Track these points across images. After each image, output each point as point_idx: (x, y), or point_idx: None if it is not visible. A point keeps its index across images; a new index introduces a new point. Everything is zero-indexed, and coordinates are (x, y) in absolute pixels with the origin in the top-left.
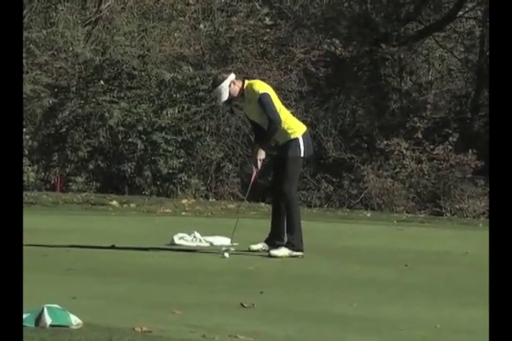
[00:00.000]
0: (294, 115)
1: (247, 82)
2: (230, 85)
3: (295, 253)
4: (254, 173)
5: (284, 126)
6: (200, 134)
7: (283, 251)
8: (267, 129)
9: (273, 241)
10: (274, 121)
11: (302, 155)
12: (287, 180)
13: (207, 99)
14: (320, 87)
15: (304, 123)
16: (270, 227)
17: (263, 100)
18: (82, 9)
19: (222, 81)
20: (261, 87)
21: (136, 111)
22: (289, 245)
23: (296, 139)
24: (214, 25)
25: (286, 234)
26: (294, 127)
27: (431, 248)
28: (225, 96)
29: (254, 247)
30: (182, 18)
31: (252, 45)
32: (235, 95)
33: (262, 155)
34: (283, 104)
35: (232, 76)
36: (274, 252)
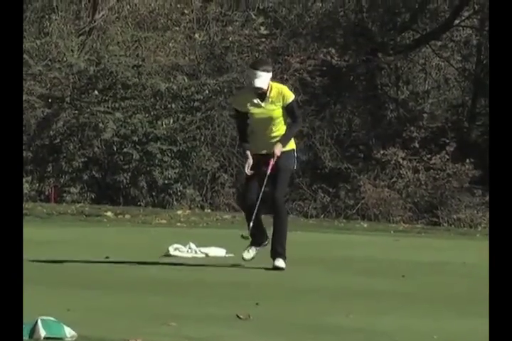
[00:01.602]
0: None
1: (271, 82)
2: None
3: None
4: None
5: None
6: (196, 144)
7: (283, 263)
8: (292, 129)
9: (260, 241)
10: (300, 124)
11: (295, 167)
12: (282, 189)
13: (202, 109)
14: (316, 97)
15: (300, 133)
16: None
17: (294, 105)
18: (76, 19)
19: (271, 71)
20: (290, 92)
21: (131, 122)
22: (283, 257)
23: (293, 150)
24: (209, 35)
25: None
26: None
27: (428, 258)
28: (265, 85)
29: (247, 256)
30: (177, 28)
31: (248, 55)
32: (265, 89)
33: (279, 152)
34: None
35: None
36: (278, 264)
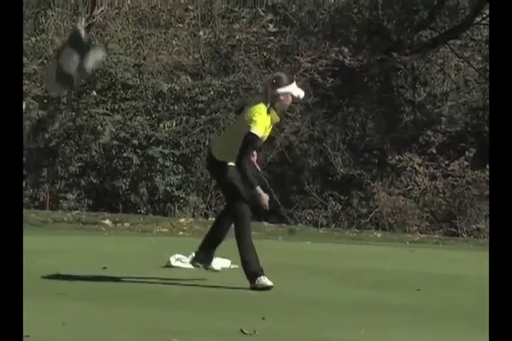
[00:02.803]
0: (299, 128)
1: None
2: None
3: None
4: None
5: None
6: (200, 148)
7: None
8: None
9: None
10: None
11: None
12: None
13: (206, 111)
14: (327, 99)
15: (311, 137)
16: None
17: None
18: (73, 15)
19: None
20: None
21: (131, 124)
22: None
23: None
24: (214, 33)
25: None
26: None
27: (445, 271)
28: None
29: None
30: (180, 25)
31: (255, 54)
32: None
33: None
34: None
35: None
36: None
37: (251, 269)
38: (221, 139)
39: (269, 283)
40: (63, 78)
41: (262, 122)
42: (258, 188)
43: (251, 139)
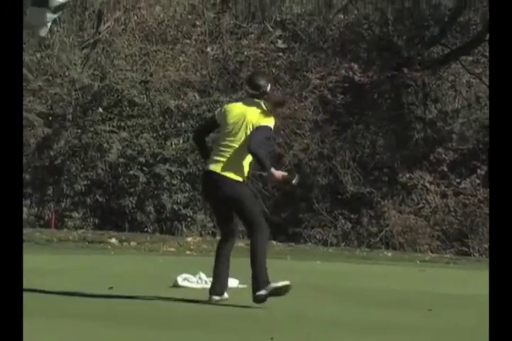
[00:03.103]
0: (309, 146)
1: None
2: None
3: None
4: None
5: None
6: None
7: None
8: None
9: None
10: None
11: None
12: None
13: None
14: (337, 116)
15: (320, 155)
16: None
17: None
18: (79, 31)
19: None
20: None
21: (137, 142)
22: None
23: None
24: (222, 49)
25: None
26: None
27: (457, 291)
28: None
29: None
30: (188, 41)
31: (264, 70)
32: None
33: None
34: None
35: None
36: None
37: (263, 278)
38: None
39: (285, 282)
40: None
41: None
42: (272, 169)
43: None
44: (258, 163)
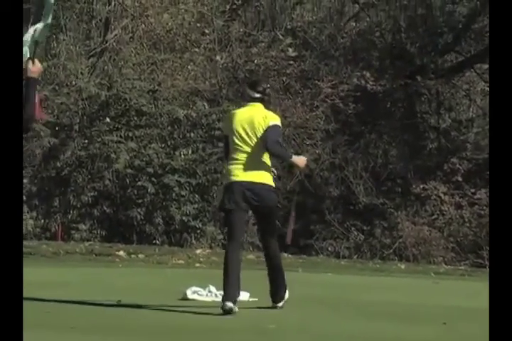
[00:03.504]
0: (320, 156)
1: None
2: None
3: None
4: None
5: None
6: (217, 177)
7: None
8: None
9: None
10: None
11: (217, 205)
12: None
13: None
14: (349, 125)
15: (332, 165)
16: None
17: None
18: (86, 39)
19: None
20: None
21: (145, 152)
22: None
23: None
24: (232, 57)
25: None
26: (225, 173)
27: (472, 304)
28: None
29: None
30: (196, 49)
31: (274, 79)
32: None
33: None
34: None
35: None
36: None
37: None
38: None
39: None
40: None
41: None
42: (294, 156)
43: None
44: (279, 158)
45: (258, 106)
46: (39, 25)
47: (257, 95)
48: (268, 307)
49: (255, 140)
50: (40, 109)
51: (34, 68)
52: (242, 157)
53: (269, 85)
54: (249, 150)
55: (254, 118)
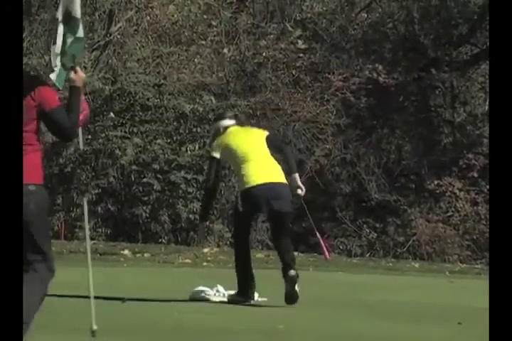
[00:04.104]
0: (331, 151)
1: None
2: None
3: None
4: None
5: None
6: (224, 173)
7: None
8: None
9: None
10: None
11: (240, 209)
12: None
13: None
14: (361, 120)
15: (343, 161)
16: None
17: None
18: (89, 32)
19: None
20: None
21: (151, 148)
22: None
23: (239, 192)
24: (240, 50)
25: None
26: (241, 179)
27: (488, 303)
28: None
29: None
30: (203, 42)
31: (283, 72)
32: None
33: None
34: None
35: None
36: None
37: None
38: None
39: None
40: None
41: None
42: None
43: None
44: (288, 161)
45: (240, 127)
46: (69, 40)
47: (231, 122)
48: (277, 305)
49: (261, 147)
50: (85, 116)
51: (76, 77)
52: (254, 163)
53: (237, 113)
54: (258, 156)
55: (249, 132)
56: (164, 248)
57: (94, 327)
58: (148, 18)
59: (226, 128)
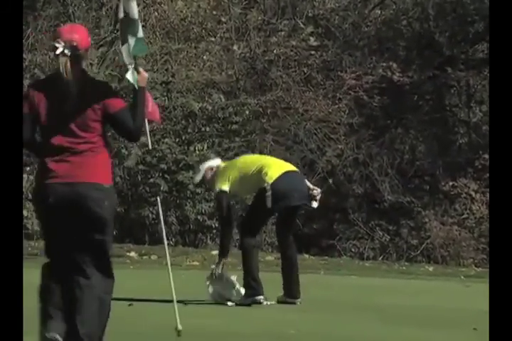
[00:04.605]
0: (343, 151)
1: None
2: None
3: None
4: None
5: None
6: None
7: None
8: None
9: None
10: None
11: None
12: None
13: (241, 133)
14: (374, 119)
15: (355, 161)
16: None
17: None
18: (95, 28)
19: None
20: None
21: (158, 148)
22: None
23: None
24: (250, 47)
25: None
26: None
27: None
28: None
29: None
30: (212, 39)
31: (295, 70)
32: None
33: None
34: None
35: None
36: None
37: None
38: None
39: None
40: None
41: None
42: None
43: None
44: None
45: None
46: (131, 41)
47: (218, 159)
48: (287, 309)
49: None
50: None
51: (140, 77)
52: (269, 161)
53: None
54: (269, 159)
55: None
56: (172, 250)
57: (179, 327)
58: (156, 13)
59: (218, 166)
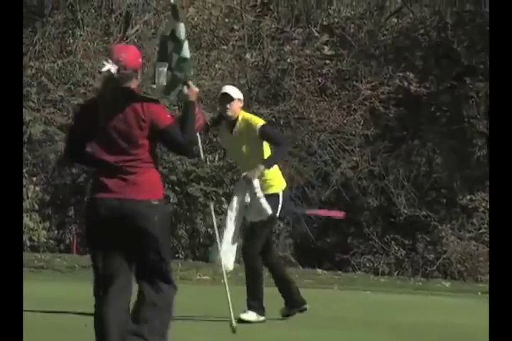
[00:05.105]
0: (358, 163)
1: (243, 112)
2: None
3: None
4: None
5: (267, 176)
6: None
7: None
8: (278, 151)
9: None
10: (283, 147)
11: (278, 214)
12: (254, 243)
13: None
14: (390, 130)
15: (371, 173)
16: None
17: (266, 130)
18: (104, 35)
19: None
20: (258, 119)
21: (168, 159)
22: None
23: (277, 195)
24: (263, 55)
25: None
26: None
27: None
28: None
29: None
30: (224, 47)
31: (309, 80)
32: (233, 116)
33: (251, 176)
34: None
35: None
36: (244, 316)
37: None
38: None
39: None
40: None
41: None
42: None
43: None
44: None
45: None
46: (174, 58)
47: None
48: (297, 326)
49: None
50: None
51: (190, 92)
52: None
53: None
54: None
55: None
56: (181, 264)
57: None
58: (166, 21)
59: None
